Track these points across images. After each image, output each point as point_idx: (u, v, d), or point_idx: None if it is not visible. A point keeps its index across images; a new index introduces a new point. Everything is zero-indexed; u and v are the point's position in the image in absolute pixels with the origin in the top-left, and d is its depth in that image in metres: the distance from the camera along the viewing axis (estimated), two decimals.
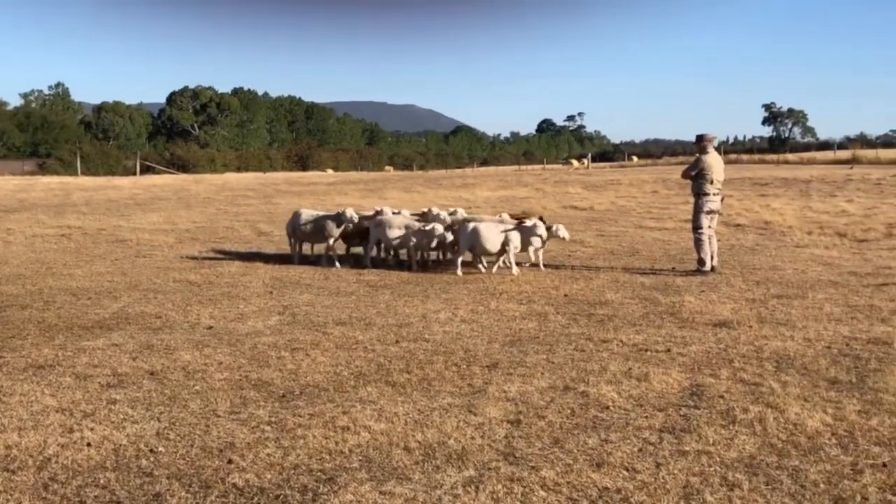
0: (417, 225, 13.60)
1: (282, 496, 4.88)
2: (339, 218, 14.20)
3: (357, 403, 6.51)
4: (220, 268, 14.18)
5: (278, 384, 7.10)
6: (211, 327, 9.43)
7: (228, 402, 6.62)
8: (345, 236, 14.83)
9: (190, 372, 7.51)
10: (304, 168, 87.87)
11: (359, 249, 15.24)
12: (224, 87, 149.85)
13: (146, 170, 69.44)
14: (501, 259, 13.55)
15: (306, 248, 15.77)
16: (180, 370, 7.56)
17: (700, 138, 13.71)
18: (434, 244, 13.53)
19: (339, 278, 13.02)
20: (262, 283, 12.58)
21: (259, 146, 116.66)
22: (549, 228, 13.46)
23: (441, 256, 14.68)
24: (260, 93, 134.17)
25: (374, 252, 14.44)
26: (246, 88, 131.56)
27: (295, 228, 14.68)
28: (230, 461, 5.39)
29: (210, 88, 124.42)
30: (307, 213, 14.73)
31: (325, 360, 7.84)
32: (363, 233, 14.59)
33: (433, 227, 13.29)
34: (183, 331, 9.25)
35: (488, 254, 13.48)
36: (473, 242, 13.15)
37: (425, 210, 15.11)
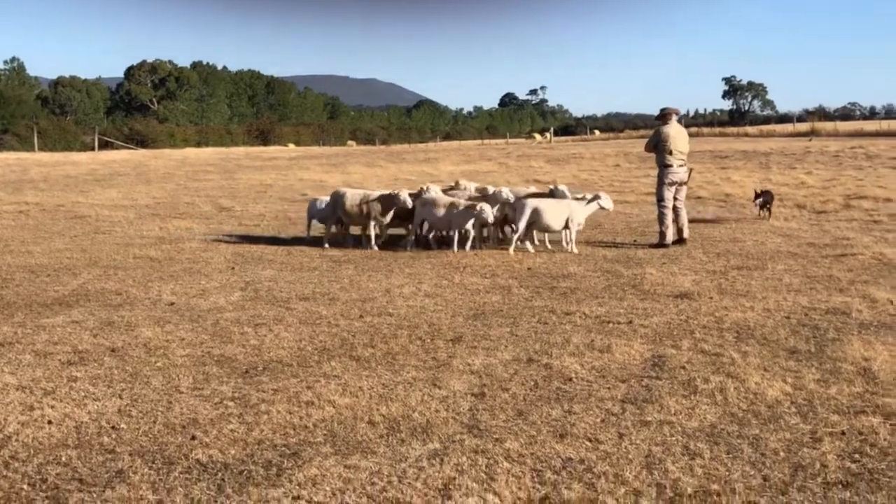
0: (463, 203, 12.83)
1: (246, 471, 4.87)
2: (391, 200, 13.19)
3: (321, 378, 6.50)
4: (181, 244, 14.07)
5: (241, 360, 7.07)
6: (172, 303, 9.36)
7: (191, 378, 6.58)
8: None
9: (151, 348, 7.45)
10: (266, 143, 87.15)
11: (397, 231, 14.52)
12: (183, 61, 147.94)
13: (105, 145, 68.56)
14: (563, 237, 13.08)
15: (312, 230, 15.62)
16: (142, 347, 7.50)
17: (662, 111, 13.75)
18: (471, 223, 12.81)
19: (303, 254, 12.96)
20: (223, 259, 12.49)
21: (219, 121, 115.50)
22: (592, 199, 13.17)
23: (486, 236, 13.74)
24: (219, 67, 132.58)
25: (417, 232, 13.53)
26: (205, 62, 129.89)
27: (337, 210, 13.60)
28: (193, 437, 5.37)
29: (169, 62, 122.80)
30: (354, 193, 13.61)
31: (288, 336, 7.81)
32: (401, 213, 13.49)
33: (482, 207, 12.50)
34: (144, 307, 9.17)
35: (551, 230, 13.02)
36: (535, 219, 12.57)
37: (453, 184, 14.88)
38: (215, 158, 48.05)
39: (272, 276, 11.08)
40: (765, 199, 16.34)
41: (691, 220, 14.30)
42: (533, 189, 14.37)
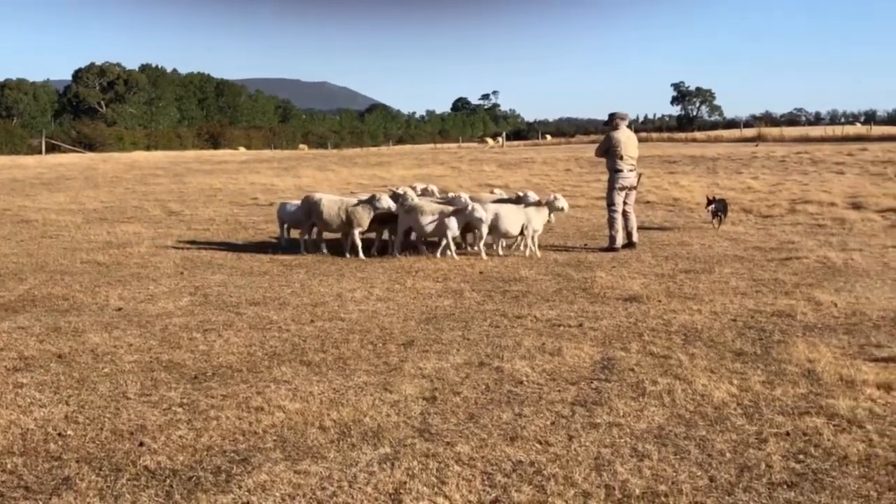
0: (450, 209, 12.53)
1: (195, 478, 4.83)
2: (372, 204, 12.76)
3: (271, 384, 6.46)
4: (130, 248, 13.89)
5: (190, 366, 7.00)
6: (120, 309, 9.24)
7: (139, 384, 6.50)
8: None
9: (99, 354, 7.35)
10: (216, 146, 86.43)
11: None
12: (132, 64, 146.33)
13: (52, 148, 67.46)
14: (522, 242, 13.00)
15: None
16: (89, 353, 7.40)
17: (611, 116, 13.86)
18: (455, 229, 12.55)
19: (253, 258, 12.87)
20: (172, 264, 12.36)
21: (168, 124, 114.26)
22: (547, 202, 13.01)
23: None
24: (169, 69, 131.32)
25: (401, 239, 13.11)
26: (154, 65, 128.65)
27: (310, 216, 13.17)
28: (141, 444, 5.31)
29: (117, 65, 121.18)
30: (330, 199, 13.11)
31: (238, 341, 7.75)
32: (382, 219, 13.09)
33: (473, 207, 12.29)
34: (91, 313, 9.05)
35: (508, 236, 12.87)
36: (493, 224, 12.49)
37: (424, 187, 14.68)
38: (164, 162, 47.56)
39: (222, 280, 10.99)
40: (717, 206, 16.03)
41: (638, 225, 14.42)
42: (502, 195, 14.10)
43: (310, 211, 13.14)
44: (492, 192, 14.40)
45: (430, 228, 12.52)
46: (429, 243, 13.10)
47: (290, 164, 43.63)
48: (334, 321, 8.56)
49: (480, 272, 11.41)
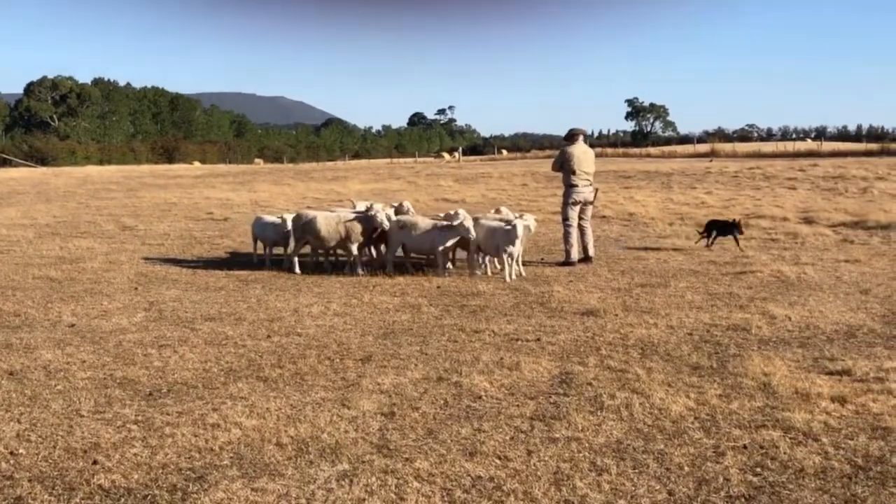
0: (443, 223, 12.31)
1: (150, 496, 4.75)
2: (370, 221, 12.47)
3: (227, 400, 6.38)
4: (83, 263, 13.70)
5: (145, 382, 6.90)
6: (73, 325, 9.09)
7: (92, 401, 6.39)
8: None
9: (51, 371, 7.22)
10: (171, 161, 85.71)
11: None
12: (84, 77, 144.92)
13: (3, 163, 66.50)
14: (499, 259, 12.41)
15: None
16: (41, 369, 7.27)
17: (570, 132, 13.94)
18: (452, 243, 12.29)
19: (208, 273, 12.75)
20: (126, 279, 12.21)
21: (122, 138, 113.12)
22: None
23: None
24: (122, 83, 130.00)
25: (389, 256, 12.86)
26: (107, 79, 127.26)
27: (304, 233, 12.79)
28: (95, 462, 5.21)
29: (70, 78, 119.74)
30: (327, 216, 12.76)
31: (193, 357, 7.66)
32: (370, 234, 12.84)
33: (462, 223, 11.97)
34: (44, 329, 8.90)
35: (488, 254, 12.49)
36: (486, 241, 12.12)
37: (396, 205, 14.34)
38: (118, 176, 47.06)
39: (177, 296, 10.87)
40: (718, 232, 15.14)
41: (595, 239, 14.50)
42: (504, 210, 13.73)
43: (303, 229, 12.79)
44: (498, 211, 13.84)
45: (425, 245, 12.35)
46: (416, 263, 13.15)
47: (245, 178, 43.38)
48: (291, 336, 8.50)
49: (438, 287, 11.39)
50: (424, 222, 12.51)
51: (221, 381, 6.90)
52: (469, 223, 11.97)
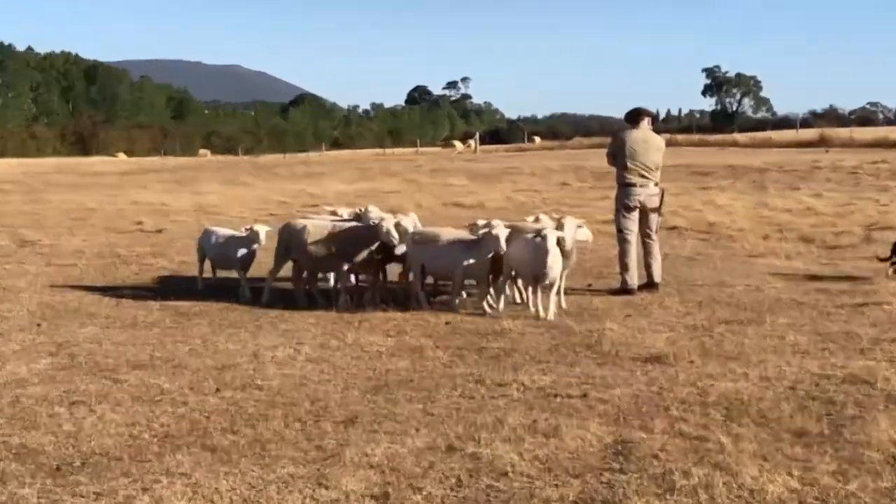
0: (467, 237, 12.35)
1: None
2: (372, 233, 12.40)
3: (162, 477, 6.38)
4: None
5: (51, 452, 6.90)
6: None
7: None
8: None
9: None
10: (86, 152, 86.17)
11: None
12: None
13: None
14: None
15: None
16: None
17: (633, 113, 13.73)
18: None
19: (137, 304, 12.77)
20: (26, 313, 12.24)
21: (20, 121, 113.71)
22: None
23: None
24: (20, 47, 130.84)
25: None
26: (0, 41, 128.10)
27: (289, 250, 12.85)
28: None
29: None
30: (319, 225, 12.89)
31: (116, 419, 7.67)
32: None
33: (496, 234, 11.74)
34: None
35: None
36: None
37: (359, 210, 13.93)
38: (15, 173, 47.33)
39: (94, 335, 10.89)
40: None
41: (665, 258, 14.48)
42: (543, 219, 13.49)
43: (289, 244, 12.78)
44: (538, 220, 13.51)
45: (444, 266, 12.38)
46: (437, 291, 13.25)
47: (187, 175, 43.57)
48: (248, 390, 8.49)
49: (447, 322, 11.38)
50: (446, 233, 12.55)
51: (154, 452, 6.89)
52: (501, 233, 11.78)
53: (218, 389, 8.53)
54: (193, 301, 12.96)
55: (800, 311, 11.86)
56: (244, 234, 13.64)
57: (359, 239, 12.50)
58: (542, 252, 11.49)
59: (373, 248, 12.46)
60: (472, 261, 12.03)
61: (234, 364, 9.49)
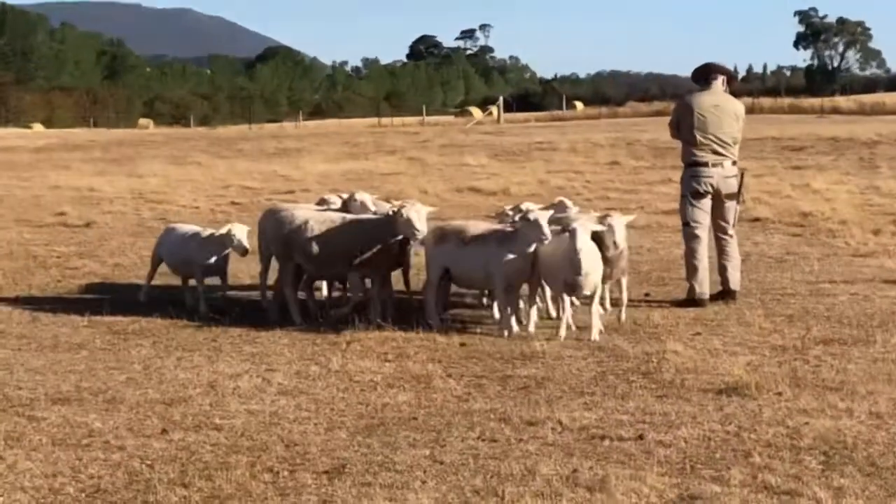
0: (501, 229, 12.33)
1: None
2: (389, 226, 12.42)
3: None
4: None
5: None
6: None
7: None
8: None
9: None
10: None
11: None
12: None
13: None
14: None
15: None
16: None
17: (703, 70, 13.77)
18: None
19: (59, 319, 12.80)
20: None
21: None
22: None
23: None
24: None
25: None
26: None
27: (292, 248, 12.83)
28: None
29: None
30: (321, 217, 12.94)
31: (32, 468, 7.69)
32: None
33: (535, 225, 11.51)
34: None
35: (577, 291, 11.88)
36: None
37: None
38: None
39: (3, 359, 10.93)
40: None
41: (742, 257, 14.46)
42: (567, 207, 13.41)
43: (289, 242, 12.76)
44: (559, 205, 13.67)
45: (477, 270, 12.14)
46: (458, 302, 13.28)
47: (123, 152, 43.59)
48: (204, 432, 8.51)
49: (462, 344, 11.39)
50: (476, 227, 12.47)
51: None
52: (541, 217, 11.57)
53: (164, 430, 8.55)
54: (132, 316, 12.99)
55: None
56: (215, 235, 13.50)
57: (374, 234, 12.44)
58: (571, 253, 11.20)
59: (390, 244, 12.41)
60: (511, 257, 11.74)
61: (185, 397, 9.51)
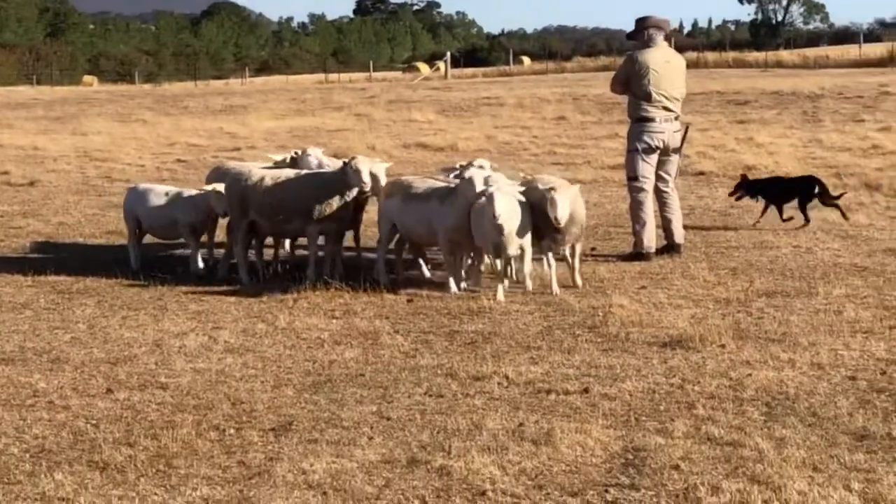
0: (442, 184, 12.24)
1: None
2: (342, 180, 12.27)
3: (37, 502, 6.38)
4: None
5: None
6: None
7: None
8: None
9: None
10: None
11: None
12: None
13: None
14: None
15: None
16: None
17: (638, 24, 13.81)
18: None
19: (2, 281, 12.74)
20: None
21: None
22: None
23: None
24: None
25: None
26: None
27: (247, 205, 12.66)
28: None
29: None
30: (274, 173, 12.90)
31: None
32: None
33: (468, 183, 11.53)
34: None
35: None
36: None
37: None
38: None
39: None
40: (766, 191, 15.74)
41: (686, 212, 14.49)
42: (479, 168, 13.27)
43: (244, 199, 12.57)
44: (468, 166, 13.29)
45: (420, 226, 12.14)
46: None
47: (67, 110, 43.26)
48: (150, 391, 8.50)
49: (409, 300, 11.39)
50: (423, 183, 12.40)
51: (26, 471, 6.89)
52: (476, 175, 11.57)
53: (109, 390, 8.54)
54: (76, 276, 12.92)
55: (862, 279, 11.94)
56: (195, 194, 13.28)
57: (327, 189, 12.30)
58: (491, 218, 10.98)
59: (347, 200, 12.29)
60: (451, 214, 11.69)
61: (130, 356, 9.49)
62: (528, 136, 28.40)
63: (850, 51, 75.35)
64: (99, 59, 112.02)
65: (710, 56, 76.35)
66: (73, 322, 10.73)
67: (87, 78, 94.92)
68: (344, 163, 12.35)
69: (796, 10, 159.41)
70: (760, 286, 11.73)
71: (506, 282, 11.87)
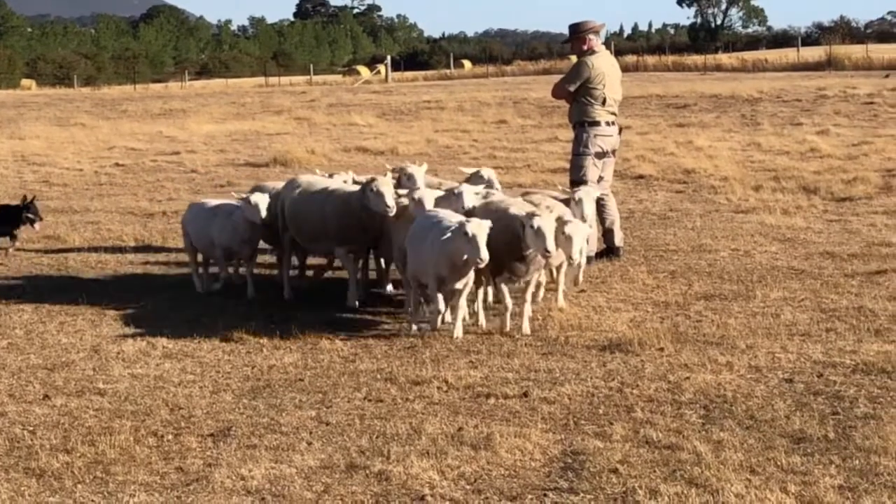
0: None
1: None
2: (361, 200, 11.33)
3: None
4: None
5: None
6: None
7: None
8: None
9: None
10: None
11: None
12: None
13: None
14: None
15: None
16: None
17: (576, 30, 13.84)
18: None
19: None
20: None
21: None
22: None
23: None
24: None
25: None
26: None
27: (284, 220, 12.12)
28: None
29: None
30: (316, 181, 12.27)
31: None
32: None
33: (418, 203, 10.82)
34: None
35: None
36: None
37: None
38: None
39: None
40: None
41: (626, 215, 14.53)
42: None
43: (278, 208, 12.03)
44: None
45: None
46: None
47: (4, 114, 42.96)
48: (87, 396, 8.46)
49: (349, 305, 11.38)
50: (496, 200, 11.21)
51: None
52: (426, 196, 10.88)
53: (46, 396, 8.49)
54: (13, 280, 12.85)
55: (800, 283, 12.01)
56: (235, 205, 12.14)
57: (347, 210, 11.45)
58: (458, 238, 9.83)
59: (368, 223, 11.39)
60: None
61: (67, 362, 9.44)
62: (468, 140, 28.41)
63: (789, 54, 76.08)
64: (37, 62, 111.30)
65: (650, 59, 76.75)
66: (10, 328, 10.67)
67: (25, 81, 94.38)
68: (364, 183, 11.34)
69: (735, 14, 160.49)
70: (699, 289, 11.79)
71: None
